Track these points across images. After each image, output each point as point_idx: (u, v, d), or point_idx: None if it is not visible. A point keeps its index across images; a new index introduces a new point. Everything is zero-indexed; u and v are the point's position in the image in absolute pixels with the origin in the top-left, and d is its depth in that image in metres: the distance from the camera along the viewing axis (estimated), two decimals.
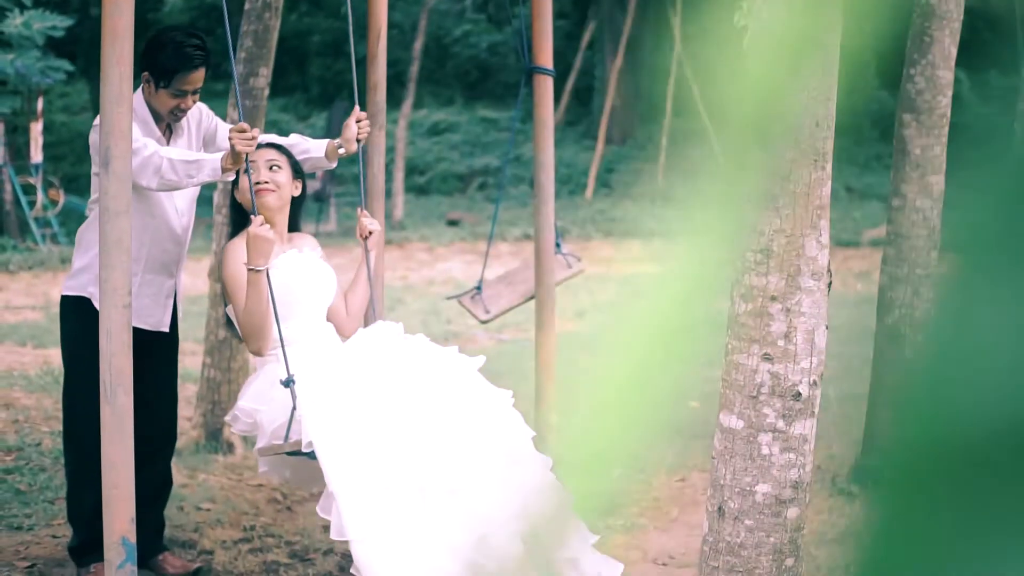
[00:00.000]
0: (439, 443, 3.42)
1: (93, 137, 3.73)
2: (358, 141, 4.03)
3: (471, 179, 18.96)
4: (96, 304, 3.74)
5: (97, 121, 3.69)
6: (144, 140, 3.57)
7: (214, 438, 5.41)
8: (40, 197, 13.06)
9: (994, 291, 0.52)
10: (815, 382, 2.64)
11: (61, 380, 4.08)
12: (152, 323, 3.94)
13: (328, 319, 3.91)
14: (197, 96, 3.89)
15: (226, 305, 3.85)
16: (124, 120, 3.17)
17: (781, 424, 2.61)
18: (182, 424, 5.08)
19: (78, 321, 3.84)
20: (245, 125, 3.51)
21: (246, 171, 3.62)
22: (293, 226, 3.95)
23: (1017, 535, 0.50)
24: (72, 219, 13.10)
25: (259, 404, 3.62)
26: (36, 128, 13.04)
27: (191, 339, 7.34)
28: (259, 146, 3.73)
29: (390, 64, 4.64)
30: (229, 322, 3.88)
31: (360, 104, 4.14)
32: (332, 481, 3.30)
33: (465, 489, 3.38)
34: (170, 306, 4.00)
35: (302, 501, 4.87)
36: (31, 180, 13.09)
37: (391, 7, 4.77)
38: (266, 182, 3.76)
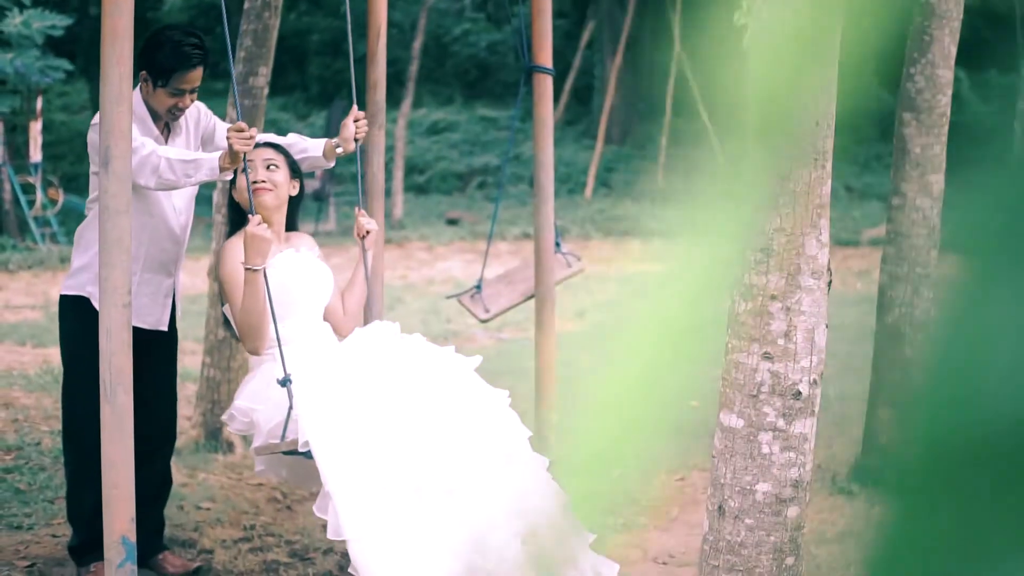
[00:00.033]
0: (435, 443, 3.42)
1: (91, 136, 3.73)
2: (356, 140, 4.03)
3: (470, 178, 18.96)
4: (95, 303, 3.74)
5: (95, 120, 3.69)
6: (142, 139, 3.57)
7: (214, 437, 5.41)
8: (39, 196, 13.06)
9: (999, 291, 0.52)
10: (815, 381, 2.64)
11: (61, 379, 4.08)
12: (151, 322, 3.94)
13: (325, 318, 3.92)
14: (195, 95, 3.88)
15: (223, 304, 3.85)
16: (124, 119, 3.17)
17: (781, 423, 2.61)
18: (182, 423, 5.08)
19: (77, 320, 3.84)
20: (243, 124, 3.51)
21: (244, 170, 3.62)
22: (291, 225, 3.95)
23: (1021, 536, 0.50)
24: (71, 218, 13.10)
25: (255, 403, 3.63)
26: (35, 127, 13.04)
27: (191, 338, 7.34)
28: (257, 145, 3.73)
29: (389, 63, 4.64)
30: (226, 321, 3.89)
31: (360, 103, 4.13)
32: (328, 481, 3.31)
33: (461, 489, 3.38)
34: (168, 305, 4.00)
35: (302, 500, 4.87)
36: (30, 179, 13.08)
37: (390, 6, 4.77)
38: (263, 181, 3.77)
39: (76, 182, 14.79)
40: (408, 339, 3.79)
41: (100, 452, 3.21)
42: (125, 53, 3.16)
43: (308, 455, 3.43)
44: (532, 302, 5.34)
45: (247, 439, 5.31)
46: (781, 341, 2.59)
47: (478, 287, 5.38)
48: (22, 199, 12.99)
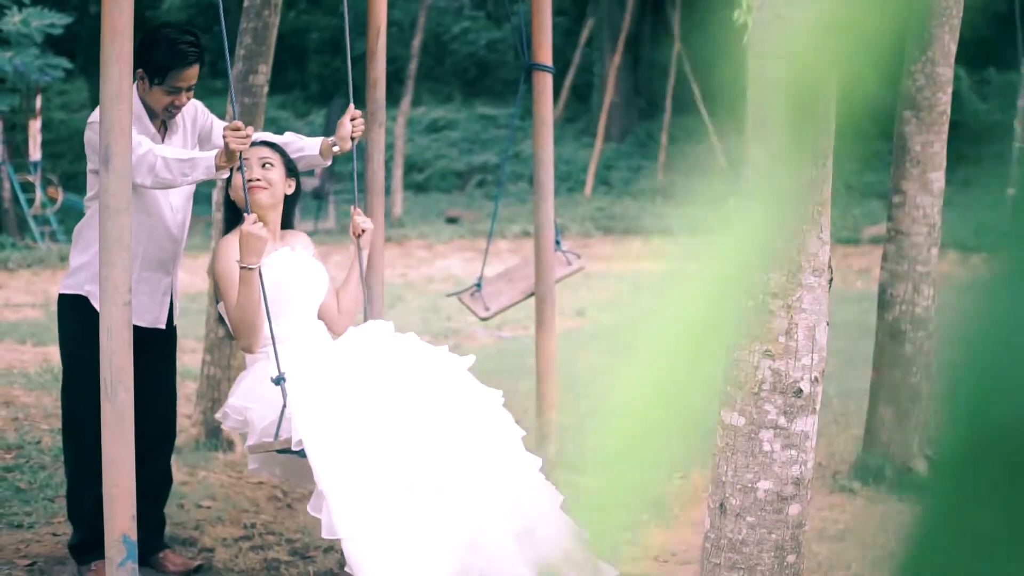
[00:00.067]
0: (428, 442, 3.43)
1: (88, 134, 3.73)
2: (353, 139, 4.03)
3: (470, 176, 18.95)
4: (93, 302, 3.74)
5: (92, 118, 3.69)
6: (139, 138, 3.57)
7: (214, 435, 5.40)
8: (39, 195, 13.05)
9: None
10: (816, 379, 2.64)
11: (60, 378, 4.08)
12: (149, 320, 3.93)
13: (319, 317, 3.92)
14: (191, 93, 3.88)
15: (218, 302, 3.86)
16: (124, 117, 3.17)
17: (783, 421, 2.61)
18: (182, 422, 5.08)
19: (76, 319, 3.83)
20: (239, 123, 3.51)
21: (240, 169, 3.62)
22: (287, 224, 3.95)
23: None
24: (71, 217, 13.09)
25: (249, 402, 3.63)
26: (35, 126, 13.03)
27: (191, 336, 7.34)
28: (253, 144, 3.73)
29: (388, 61, 4.63)
30: (221, 319, 3.89)
31: (359, 101, 4.14)
32: (321, 480, 3.31)
33: (454, 488, 3.39)
34: (167, 303, 4.00)
35: (302, 498, 4.87)
36: (30, 178, 13.08)
37: (390, 4, 4.77)
38: (258, 179, 3.77)
39: (75, 180, 14.78)
40: (402, 338, 3.79)
41: (100, 450, 3.21)
42: (125, 51, 3.16)
43: (301, 454, 3.43)
44: (532, 300, 5.34)
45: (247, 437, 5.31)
46: (782, 339, 2.59)
47: (478, 285, 5.38)
48: (21, 198, 12.99)
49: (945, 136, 5.07)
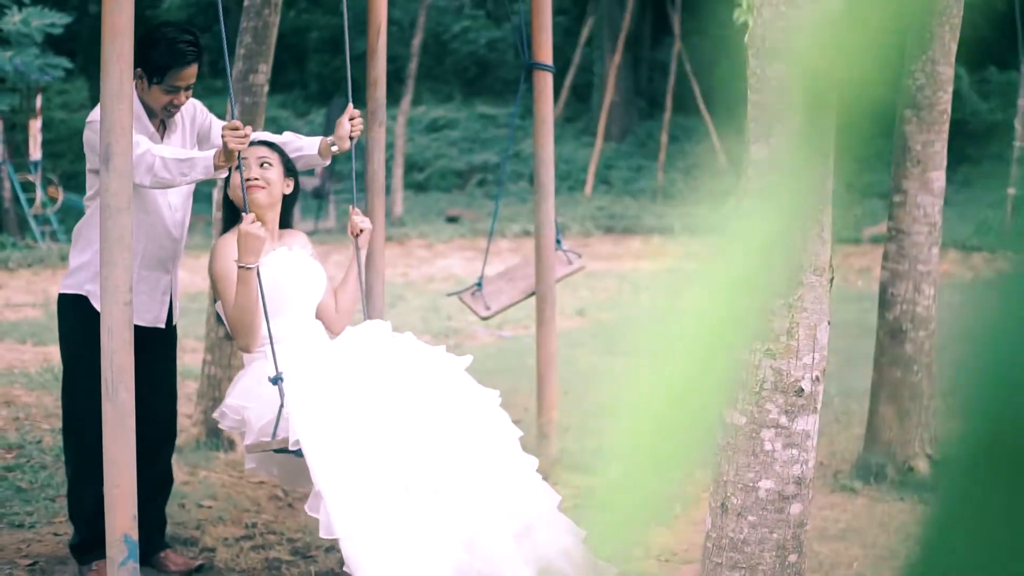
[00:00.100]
0: (425, 442, 3.43)
1: (87, 134, 3.73)
2: (351, 138, 4.03)
3: (470, 175, 18.95)
4: (93, 302, 3.74)
5: (90, 118, 3.69)
6: (137, 138, 3.57)
7: (215, 435, 5.40)
8: (39, 194, 13.05)
9: None
10: (817, 378, 2.63)
11: (61, 378, 4.08)
12: (149, 319, 3.93)
13: (317, 316, 3.92)
14: (190, 92, 3.88)
15: (215, 301, 3.86)
16: (125, 117, 3.17)
17: (784, 420, 2.61)
18: (183, 421, 5.08)
19: (76, 319, 3.83)
20: (238, 123, 3.51)
21: (238, 168, 3.63)
22: (285, 223, 3.95)
23: None
24: (71, 216, 13.08)
25: (247, 401, 3.63)
26: (35, 125, 13.02)
27: (192, 336, 7.34)
28: (251, 143, 3.73)
29: (389, 60, 4.63)
30: (219, 318, 3.89)
31: (360, 100, 4.14)
32: (319, 479, 3.32)
33: (451, 488, 3.39)
34: (167, 302, 4.00)
35: (303, 498, 4.86)
36: (30, 177, 13.07)
37: (390, 3, 4.77)
38: (256, 179, 3.77)
39: (76, 180, 14.78)
40: (399, 338, 3.80)
41: (100, 450, 3.21)
42: (125, 50, 3.16)
43: (299, 453, 3.44)
44: (533, 299, 5.34)
45: None
46: (783, 338, 2.59)
47: (479, 284, 5.38)
48: (22, 197, 12.98)
49: (946, 135, 5.07)
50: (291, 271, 3.83)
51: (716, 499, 2.68)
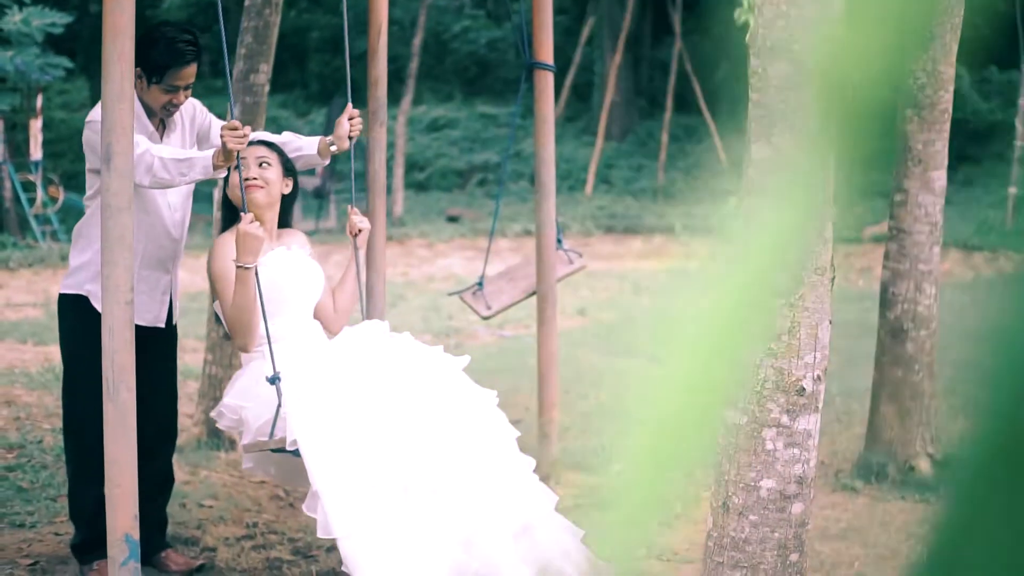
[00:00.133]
0: (422, 443, 3.43)
1: (87, 134, 3.73)
2: (350, 138, 4.03)
3: (470, 175, 18.95)
4: (93, 302, 3.74)
5: (90, 117, 3.69)
6: (137, 138, 3.57)
7: (216, 435, 5.40)
8: (40, 194, 13.05)
9: None
10: (819, 377, 2.63)
11: (61, 378, 4.08)
12: (148, 319, 3.93)
13: (315, 316, 3.92)
14: (189, 91, 3.88)
15: (214, 300, 3.86)
16: (125, 117, 3.17)
17: (785, 419, 2.61)
18: (183, 421, 5.08)
19: (76, 319, 3.83)
20: (237, 123, 3.51)
21: (237, 168, 3.63)
22: (284, 223, 3.95)
23: None
24: (72, 216, 13.09)
25: (244, 401, 3.63)
26: (35, 125, 13.02)
27: (192, 335, 7.34)
28: (250, 143, 3.73)
29: (389, 60, 4.63)
30: (217, 317, 3.89)
31: (360, 100, 4.13)
32: (316, 479, 3.32)
33: (448, 489, 3.39)
34: (166, 302, 4.00)
35: (304, 498, 4.87)
36: (31, 177, 13.07)
37: (391, 3, 4.76)
38: (255, 178, 3.77)
39: (76, 180, 14.78)
40: (397, 338, 3.80)
41: (101, 450, 3.21)
42: (126, 50, 3.16)
43: (296, 453, 3.44)
44: (534, 299, 5.34)
45: None
46: (785, 337, 2.59)
47: (480, 284, 5.38)
48: (23, 197, 12.98)
49: (947, 134, 5.07)
50: (289, 271, 3.83)
51: (717, 498, 2.68)
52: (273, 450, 3.58)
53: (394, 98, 12.70)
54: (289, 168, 3.91)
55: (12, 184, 12.89)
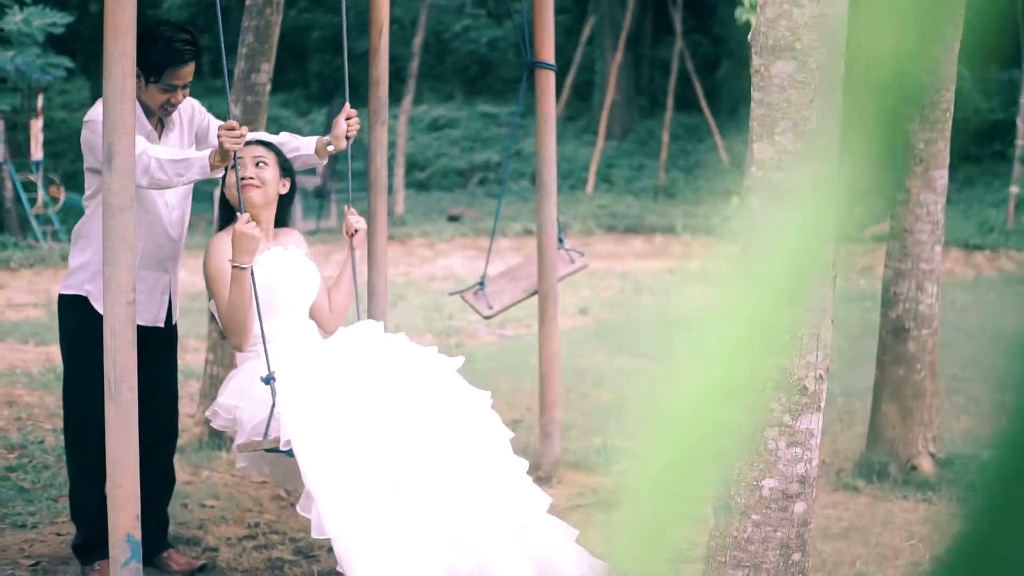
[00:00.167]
0: (416, 443, 3.44)
1: (85, 134, 3.72)
2: (348, 138, 4.03)
3: (471, 174, 18.95)
4: (93, 302, 3.74)
5: (88, 117, 3.69)
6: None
7: (217, 435, 5.40)
8: (41, 194, 13.05)
9: None
10: (821, 376, 2.63)
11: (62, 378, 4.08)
12: (148, 319, 3.92)
13: (311, 316, 3.92)
14: (187, 91, 3.88)
15: (210, 300, 3.85)
16: (127, 116, 3.16)
17: (787, 418, 2.61)
18: (184, 421, 5.07)
19: (76, 319, 3.83)
20: (234, 123, 3.51)
21: (234, 167, 3.63)
22: (281, 222, 3.95)
23: None
24: (73, 216, 13.08)
25: (239, 400, 3.63)
26: (36, 125, 13.02)
27: (193, 335, 7.34)
28: (248, 143, 3.72)
29: (390, 60, 4.63)
30: (212, 316, 3.89)
31: (361, 100, 4.13)
32: (310, 480, 3.32)
33: (441, 490, 3.40)
34: (165, 302, 3.99)
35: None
36: (32, 177, 13.07)
37: (391, 3, 4.76)
38: (251, 178, 3.77)
39: (77, 180, 14.76)
40: (391, 339, 3.80)
41: (102, 450, 3.21)
42: (127, 50, 3.16)
43: (290, 453, 3.44)
44: (535, 298, 5.34)
45: None
46: (786, 336, 2.58)
47: (481, 284, 5.38)
48: (23, 197, 12.98)
49: (948, 134, 5.07)
50: (285, 270, 3.83)
51: (720, 498, 2.68)
52: (267, 450, 3.58)
53: (395, 98, 12.70)
54: (286, 168, 3.91)
55: (13, 184, 12.90)
